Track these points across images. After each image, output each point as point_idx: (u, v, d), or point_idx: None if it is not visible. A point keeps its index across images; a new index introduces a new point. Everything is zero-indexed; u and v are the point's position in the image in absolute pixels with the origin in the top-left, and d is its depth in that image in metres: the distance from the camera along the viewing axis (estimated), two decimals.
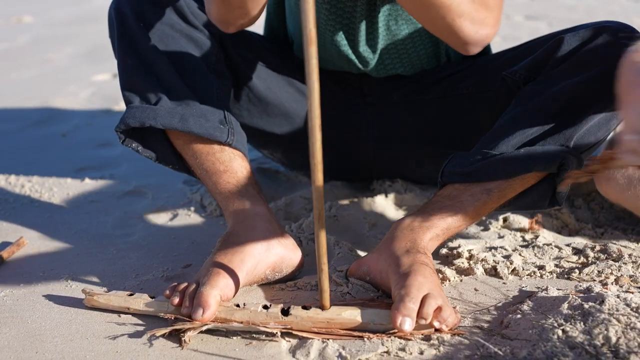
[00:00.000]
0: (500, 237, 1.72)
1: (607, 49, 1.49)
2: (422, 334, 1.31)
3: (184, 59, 1.65)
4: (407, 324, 1.29)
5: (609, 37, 1.50)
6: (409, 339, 1.30)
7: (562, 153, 1.47)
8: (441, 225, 1.49)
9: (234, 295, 1.42)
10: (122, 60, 1.66)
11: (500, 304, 1.43)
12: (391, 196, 1.94)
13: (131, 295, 1.43)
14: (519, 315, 1.35)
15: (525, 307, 1.38)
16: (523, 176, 1.50)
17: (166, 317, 1.37)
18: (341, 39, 1.72)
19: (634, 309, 1.32)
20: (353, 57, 1.75)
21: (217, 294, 1.36)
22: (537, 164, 1.47)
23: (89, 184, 2.18)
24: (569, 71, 1.51)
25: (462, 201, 1.51)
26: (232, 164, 1.61)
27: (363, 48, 1.73)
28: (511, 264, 1.56)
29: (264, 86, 1.81)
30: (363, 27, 1.71)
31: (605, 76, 1.47)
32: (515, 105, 1.56)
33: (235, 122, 1.65)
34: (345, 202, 1.93)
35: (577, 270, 1.53)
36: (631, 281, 1.48)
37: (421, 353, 1.26)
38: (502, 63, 1.69)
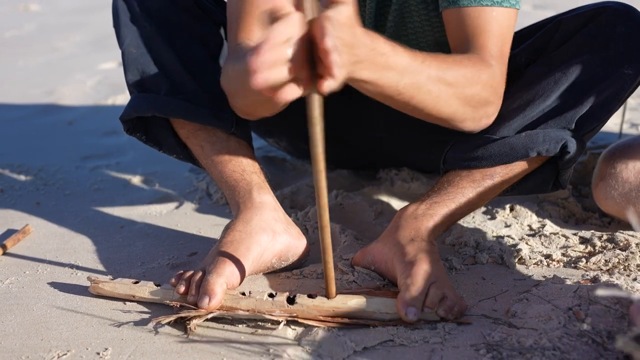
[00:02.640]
0: (507, 226, 1.71)
1: (606, 29, 1.48)
2: (428, 323, 1.30)
3: (188, 48, 1.64)
4: (413, 313, 1.28)
5: (608, 17, 1.49)
6: (415, 328, 1.29)
7: (564, 136, 1.46)
8: (445, 213, 1.49)
9: (239, 284, 1.42)
10: (126, 49, 1.65)
11: (506, 293, 1.42)
12: (397, 184, 1.93)
13: (136, 283, 1.43)
14: (525, 304, 1.35)
15: (531, 296, 1.37)
16: (526, 160, 1.49)
17: (172, 304, 1.36)
18: None
19: None
20: None
21: (223, 282, 1.36)
22: (539, 147, 1.46)
23: (95, 172, 2.18)
24: (569, 53, 1.50)
25: (465, 187, 1.50)
26: (238, 153, 1.60)
27: None
28: (518, 252, 1.55)
29: None
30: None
31: (606, 57, 1.46)
32: (516, 88, 1.55)
33: None
34: (351, 190, 1.92)
35: (584, 260, 1.52)
36: (638, 270, 1.47)
37: (427, 341, 1.26)
38: None
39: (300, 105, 1.83)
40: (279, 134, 1.95)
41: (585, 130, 1.48)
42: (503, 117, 1.51)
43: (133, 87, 1.64)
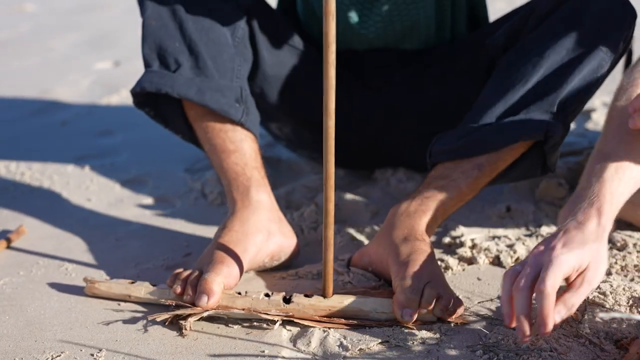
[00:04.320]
0: (503, 226, 1.70)
1: (580, 8, 1.48)
2: (424, 324, 1.30)
3: (210, 29, 1.62)
4: (408, 314, 1.28)
5: None
6: (411, 328, 1.29)
7: (546, 119, 1.45)
8: (437, 207, 1.47)
9: (236, 284, 1.41)
10: (147, 20, 1.63)
11: None
12: (393, 184, 1.92)
13: (132, 283, 1.42)
14: None
15: None
16: (511, 146, 1.48)
17: (167, 303, 1.36)
18: (348, 9, 1.71)
19: (638, 299, 1.31)
20: (358, 28, 1.74)
21: (221, 281, 1.35)
22: (523, 133, 1.45)
23: (89, 173, 2.17)
24: (545, 35, 1.49)
25: (454, 179, 1.49)
26: (243, 145, 1.59)
27: (370, 11, 1.72)
28: (514, 253, 1.55)
29: (279, 64, 1.79)
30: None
31: (581, 37, 1.45)
32: (495, 75, 1.54)
33: (251, 101, 1.64)
34: (347, 190, 1.92)
35: None
36: (635, 270, 1.46)
37: (423, 342, 1.25)
38: (488, 34, 1.68)
39: (308, 94, 1.81)
40: (284, 119, 1.93)
41: (567, 111, 1.48)
42: (484, 105, 1.51)
43: (148, 60, 1.62)
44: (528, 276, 1.15)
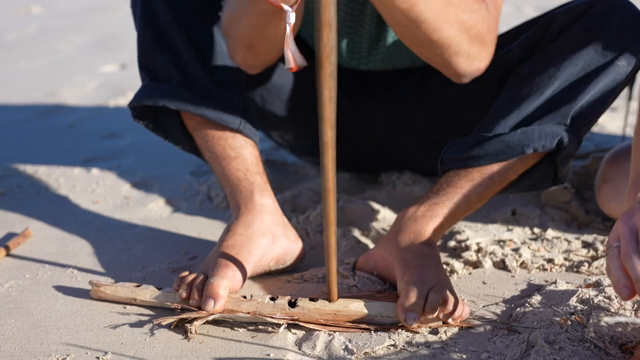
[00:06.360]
0: (509, 229, 1.70)
1: (599, 21, 1.47)
2: (429, 327, 1.30)
3: (205, 40, 1.63)
4: (413, 319, 1.28)
5: (602, 9, 1.48)
6: (416, 332, 1.29)
7: (559, 131, 1.45)
8: (445, 214, 1.48)
9: (241, 288, 1.42)
10: (142, 34, 1.63)
11: (508, 298, 1.42)
12: (399, 188, 1.93)
13: (138, 286, 1.42)
14: (527, 309, 1.34)
15: (534, 300, 1.37)
16: (523, 157, 1.48)
17: (173, 306, 1.36)
18: (346, 46, 1.71)
19: None
20: (357, 64, 1.75)
21: (227, 285, 1.36)
22: (535, 144, 1.45)
23: (95, 175, 2.17)
24: (563, 47, 1.49)
25: (463, 187, 1.49)
26: (243, 151, 1.60)
27: (368, 54, 1.73)
28: (520, 257, 1.55)
29: (278, 71, 1.80)
30: (369, 35, 1.70)
31: (599, 50, 1.45)
32: (510, 85, 1.54)
33: (249, 109, 1.64)
34: (353, 194, 1.92)
35: (586, 264, 1.52)
36: None
37: (428, 346, 1.25)
38: (499, 44, 1.68)
39: (308, 101, 1.82)
40: (285, 127, 1.94)
41: (580, 124, 1.47)
42: (498, 114, 1.51)
43: (144, 73, 1.63)
44: (631, 246, 1.05)
